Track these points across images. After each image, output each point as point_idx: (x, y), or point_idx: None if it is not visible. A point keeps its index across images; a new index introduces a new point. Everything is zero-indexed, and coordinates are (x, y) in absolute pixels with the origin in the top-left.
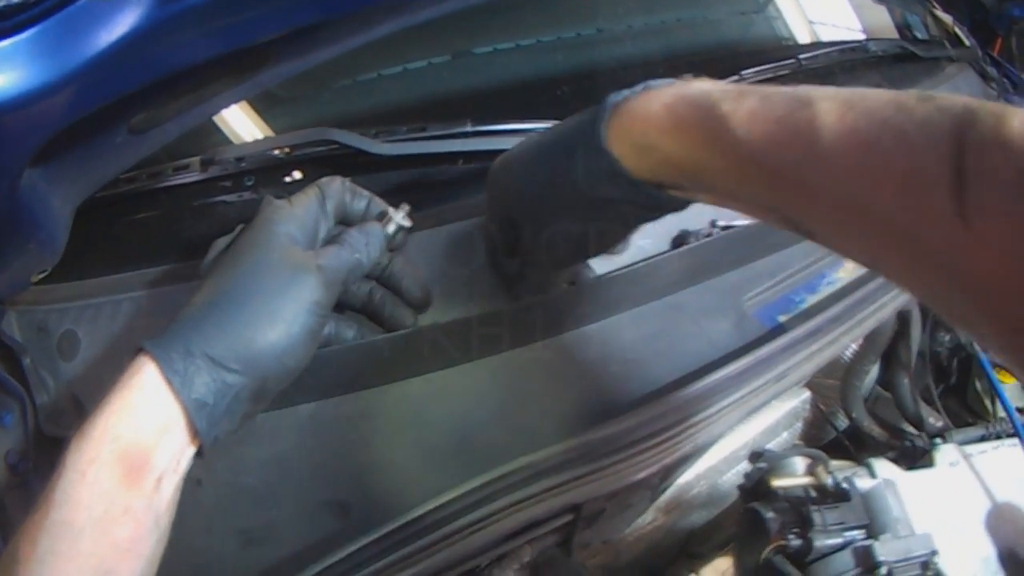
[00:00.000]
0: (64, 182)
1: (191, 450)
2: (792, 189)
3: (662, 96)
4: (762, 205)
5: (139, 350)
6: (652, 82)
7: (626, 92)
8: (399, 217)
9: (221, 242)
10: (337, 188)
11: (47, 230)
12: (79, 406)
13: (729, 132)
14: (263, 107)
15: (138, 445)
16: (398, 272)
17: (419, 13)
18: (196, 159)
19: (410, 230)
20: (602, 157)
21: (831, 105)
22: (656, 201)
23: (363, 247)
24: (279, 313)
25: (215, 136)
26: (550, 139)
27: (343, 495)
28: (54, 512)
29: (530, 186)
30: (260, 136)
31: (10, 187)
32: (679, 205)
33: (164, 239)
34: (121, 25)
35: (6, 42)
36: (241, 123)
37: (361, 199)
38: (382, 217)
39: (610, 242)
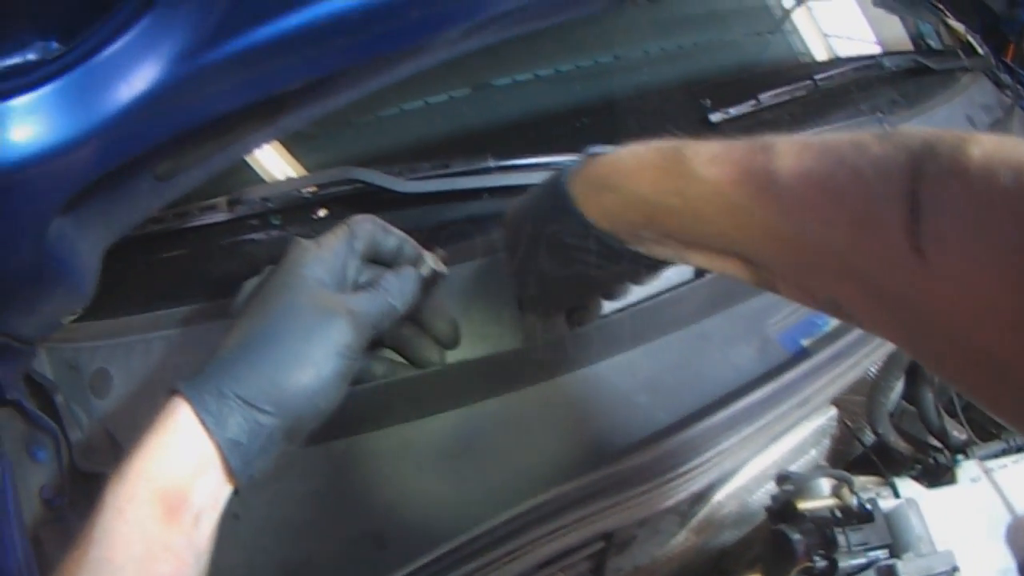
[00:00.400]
0: (91, 228)
1: (228, 488)
2: (749, 228)
3: (631, 147)
4: (720, 248)
5: (172, 391)
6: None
7: (608, 148)
8: (433, 261)
9: (251, 284)
10: (368, 228)
11: (76, 275)
12: (114, 442)
13: (690, 171)
14: (289, 142)
15: (175, 484)
16: (429, 311)
17: (439, 54)
18: (223, 199)
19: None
20: (563, 199)
21: (789, 147)
22: (613, 252)
23: (398, 292)
24: (308, 356)
25: (242, 172)
26: (536, 188)
27: (379, 527)
28: (93, 550)
29: (520, 234)
30: (286, 170)
31: (38, 237)
32: (643, 265)
33: (193, 278)
34: (141, 81)
35: (26, 97)
36: (267, 158)
37: (393, 239)
38: (416, 260)
39: (592, 296)
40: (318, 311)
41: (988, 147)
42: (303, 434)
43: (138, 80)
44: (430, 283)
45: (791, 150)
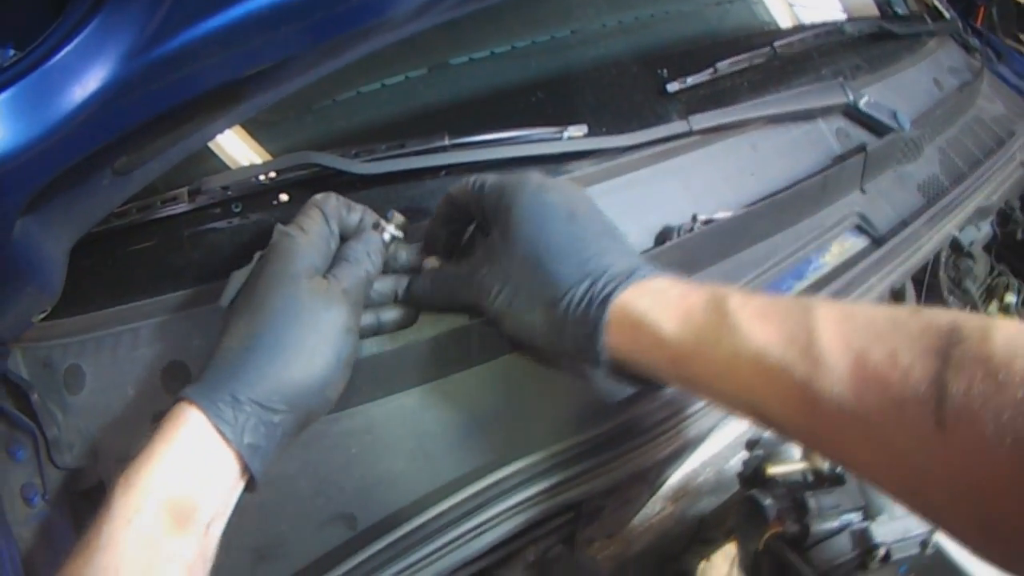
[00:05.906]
0: (55, 226)
1: (239, 489)
2: (787, 390)
3: (673, 286)
4: (739, 403)
5: (180, 399)
6: (641, 271)
7: (617, 291)
8: (392, 228)
9: (239, 275)
10: (334, 205)
11: (43, 274)
12: (89, 438)
13: (733, 324)
14: (249, 129)
15: (186, 495)
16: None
17: (390, 35)
18: (183, 190)
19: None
20: (594, 331)
21: (828, 312)
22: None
23: (366, 259)
24: (318, 349)
25: (204, 161)
26: (549, 326)
27: (349, 507)
28: (98, 556)
29: (519, 316)
30: (247, 157)
31: (3, 239)
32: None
33: (158, 270)
34: (92, 81)
35: None
36: (227, 145)
37: (355, 212)
38: (376, 227)
39: None
40: (320, 300)
41: (1010, 335)
42: (311, 424)
43: (90, 81)
44: (392, 249)
45: (831, 315)
